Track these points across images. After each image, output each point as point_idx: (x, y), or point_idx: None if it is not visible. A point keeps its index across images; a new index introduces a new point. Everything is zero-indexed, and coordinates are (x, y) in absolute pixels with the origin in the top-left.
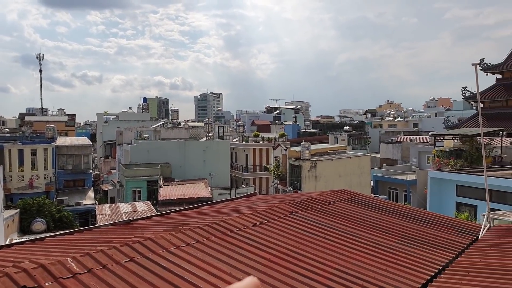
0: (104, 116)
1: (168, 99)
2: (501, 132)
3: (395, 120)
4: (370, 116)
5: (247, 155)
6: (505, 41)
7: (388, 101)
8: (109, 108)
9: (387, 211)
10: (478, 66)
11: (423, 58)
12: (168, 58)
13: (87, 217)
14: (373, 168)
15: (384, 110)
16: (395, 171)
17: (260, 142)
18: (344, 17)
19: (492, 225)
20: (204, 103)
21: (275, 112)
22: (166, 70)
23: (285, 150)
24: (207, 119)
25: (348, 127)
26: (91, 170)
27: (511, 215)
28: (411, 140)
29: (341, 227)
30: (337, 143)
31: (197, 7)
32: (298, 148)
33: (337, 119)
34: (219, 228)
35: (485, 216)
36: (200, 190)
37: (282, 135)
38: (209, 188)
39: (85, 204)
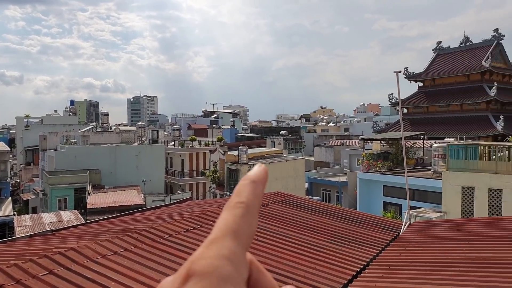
0: (25, 120)
1: (98, 102)
2: (422, 136)
3: (328, 125)
4: (305, 121)
5: (183, 160)
6: (426, 52)
7: (321, 106)
8: (31, 111)
9: (318, 212)
10: (400, 74)
11: (354, 66)
12: (99, 59)
13: (4, 230)
14: (308, 171)
15: (318, 115)
16: (328, 174)
17: (197, 147)
18: (280, 23)
19: (412, 222)
20: (137, 106)
21: (212, 116)
22: (97, 71)
23: (223, 154)
24: (140, 123)
25: (284, 132)
26: (8, 178)
27: (430, 212)
28: (342, 144)
29: (273, 228)
30: (274, 147)
31: (130, 7)
32: (236, 152)
33: (274, 124)
34: (148, 235)
35: (406, 214)
36: (132, 197)
37: (219, 139)
38: (142, 195)
39: (1, 216)
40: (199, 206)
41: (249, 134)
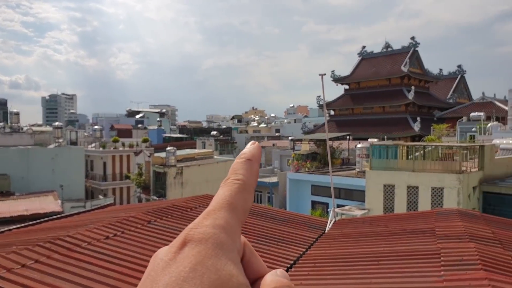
0: None
1: (6, 100)
2: (348, 137)
3: (260, 126)
4: (236, 122)
5: (105, 163)
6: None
7: (253, 107)
8: None
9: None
10: (327, 77)
11: (284, 68)
12: (7, 52)
13: None
14: None
15: (250, 116)
16: (259, 174)
17: (120, 148)
18: (210, 21)
19: (337, 220)
20: (53, 105)
21: (137, 116)
22: (5, 66)
23: (149, 156)
24: (56, 123)
25: (215, 132)
26: None
27: (355, 209)
28: (273, 145)
29: None
30: (204, 148)
31: None
32: (163, 154)
33: (204, 124)
34: (63, 244)
35: (331, 212)
36: (47, 204)
37: (145, 141)
38: (59, 201)
39: None
40: (122, 212)
41: (178, 135)
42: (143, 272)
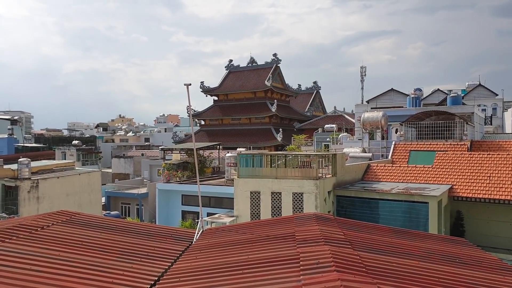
0: None
1: None
2: (218, 146)
3: (128, 135)
4: (102, 130)
5: None
6: (220, 68)
7: (120, 115)
8: None
9: (109, 229)
10: (197, 87)
11: (153, 76)
12: None
13: None
14: (105, 184)
15: (117, 125)
16: (127, 186)
17: None
18: (72, 24)
19: (204, 229)
20: None
21: None
22: None
23: None
24: None
25: (77, 142)
26: None
27: (224, 217)
28: (142, 155)
29: (53, 253)
30: (65, 159)
31: None
32: (15, 166)
33: (65, 133)
34: None
35: (199, 222)
36: None
37: None
38: None
39: None
40: None
41: (34, 145)
42: None
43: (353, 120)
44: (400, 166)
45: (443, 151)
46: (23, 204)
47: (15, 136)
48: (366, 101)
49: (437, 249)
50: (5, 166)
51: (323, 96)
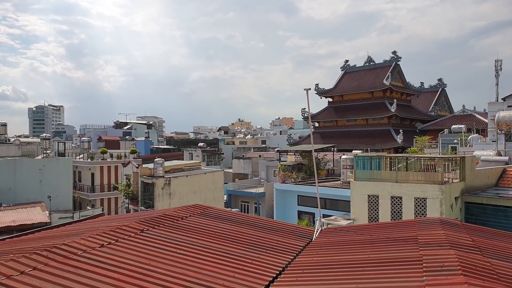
0: None
1: None
2: (332, 148)
3: (246, 137)
4: (223, 133)
5: (93, 174)
6: (334, 70)
7: (239, 119)
8: None
9: (236, 222)
10: (310, 91)
11: (269, 81)
12: None
13: None
14: (226, 183)
15: (236, 128)
16: (246, 185)
17: (108, 160)
18: (196, 35)
19: (323, 229)
20: (40, 116)
21: (125, 127)
22: None
23: (137, 167)
24: (44, 135)
25: (202, 144)
26: None
27: (340, 219)
28: (260, 156)
29: (192, 240)
30: (192, 159)
31: (30, 9)
32: (151, 165)
33: (191, 136)
34: (60, 252)
35: (318, 221)
36: (35, 215)
37: (133, 152)
38: (47, 212)
39: None
40: (113, 221)
41: (165, 146)
42: (139, 279)
43: (486, 120)
44: None
45: None
46: (158, 199)
47: (150, 139)
48: (501, 99)
49: None
50: (144, 165)
51: (450, 95)
